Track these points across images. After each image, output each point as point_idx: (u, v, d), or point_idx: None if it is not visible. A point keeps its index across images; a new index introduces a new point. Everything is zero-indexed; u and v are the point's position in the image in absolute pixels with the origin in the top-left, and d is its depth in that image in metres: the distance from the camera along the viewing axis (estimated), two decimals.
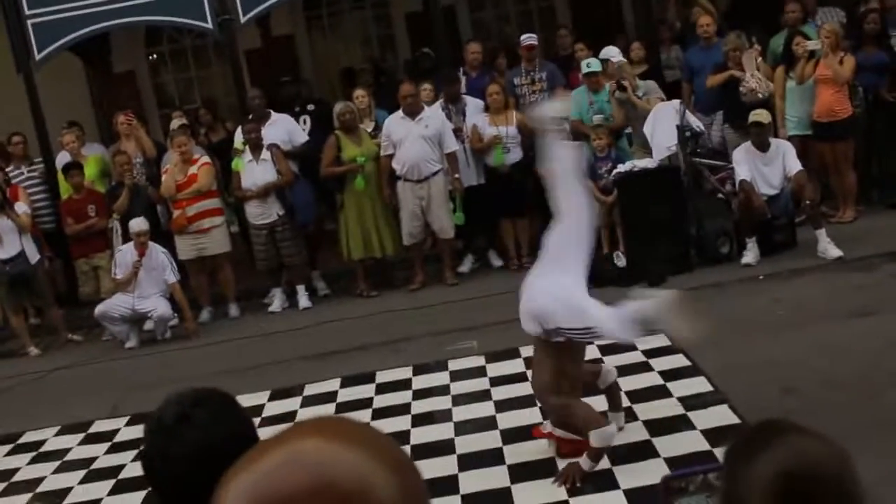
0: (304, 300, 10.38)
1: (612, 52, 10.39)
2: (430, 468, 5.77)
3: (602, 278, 9.11)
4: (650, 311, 5.22)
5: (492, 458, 5.85)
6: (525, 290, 5.58)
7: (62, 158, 11.09)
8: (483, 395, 6.93)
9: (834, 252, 8.83)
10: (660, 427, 5.90)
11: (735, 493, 1.60)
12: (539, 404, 6.07)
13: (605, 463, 5.42)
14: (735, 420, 5.83)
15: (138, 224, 9.81)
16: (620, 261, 9.28)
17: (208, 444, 1.90)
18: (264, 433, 1.16)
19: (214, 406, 2.00)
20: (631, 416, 6.15)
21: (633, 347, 7.35)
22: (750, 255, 9.10)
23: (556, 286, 5.37)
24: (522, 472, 5.55)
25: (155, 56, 15.06)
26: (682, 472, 1.96)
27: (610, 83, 10.13)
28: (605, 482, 5.29)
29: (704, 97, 10.60)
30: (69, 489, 6.61)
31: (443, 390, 7.17)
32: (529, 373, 6.25)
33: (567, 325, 5.34)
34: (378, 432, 1.06)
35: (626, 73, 10.11)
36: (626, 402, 6.32)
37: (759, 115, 9.12)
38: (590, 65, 10.23)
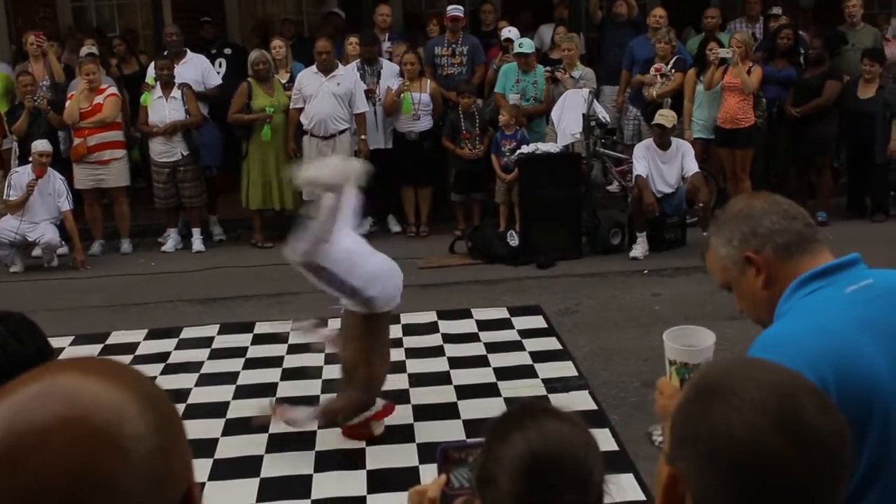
0: (198, 243, 10.33)
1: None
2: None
3: (493, 255, 9.29)
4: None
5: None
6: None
7: None
8: None
9: None
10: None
11: (487, 469, 1.70)
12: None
13: (460, 436, 5.56)
14: (593, 406, 6.00)
15: (42, 144, 9.65)
16: (514, 240, 9.42)
17: (4, 361, 1.97)
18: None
19: (14, 325, 2.08)
20: (494, 392, 6.29)
21: (508, 326, 7.51)
22: (638, 248, 9.32)
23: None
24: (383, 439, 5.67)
25: None
26: (461, 443, 2.01)
27: (545, 67, 10.29)
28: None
29: (635, 88, 10.80)
30: None
31: (318, 347, 7.22)
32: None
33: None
34: (137, 371, 1.09)
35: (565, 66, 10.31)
36: (491, 379, 6.48)
37: (664, 118, 9.30)
38: (522, 45, 10.30)
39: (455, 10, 10.93)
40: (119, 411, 1.00)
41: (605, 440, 5.29)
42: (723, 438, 1.27)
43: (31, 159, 9.68)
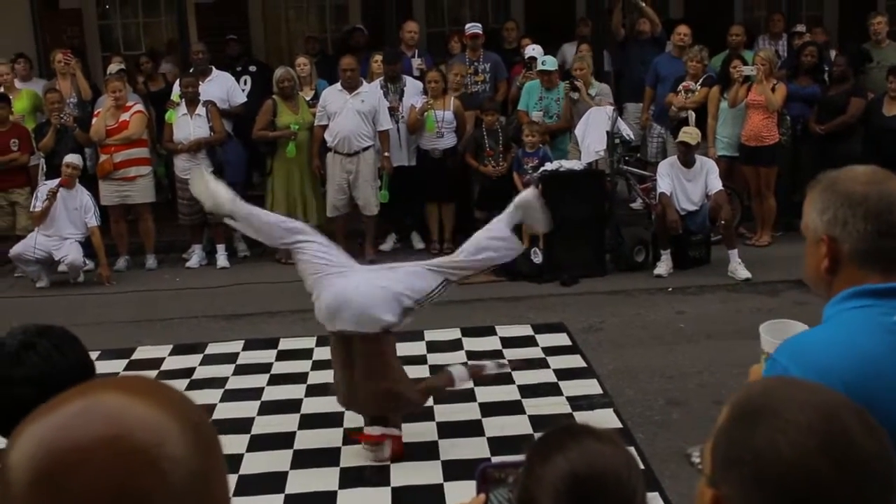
0: (222, 259, 10.38)
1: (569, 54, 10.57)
2: (316, 439, 5.88)
3: (517, 272, 9.28)
4: (517, 203, 5.71)
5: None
6: (356, 293, 5.40)
7: None
8: None
9: (743, 273, 9.05)
10: (544, 423, 6.01)
11: (529, 491, 1.70)
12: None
13: (484, 454, 5.55)
14: (618, 424, 5.98)
15: (73, 157, 9.79)
16: (537, 257, 9.41)
17: (49, 371, 2.00)
18: None
19: (57, 338, 2.12)
20: (519, 410, 6.28)
21: (532, 343, 7.51)
22: (663, 266, 9.30)
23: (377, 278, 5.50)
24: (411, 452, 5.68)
25: None
26: (501, 462, 2.00)
27: (565, 81, 10.28)
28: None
29: (659, 106, 10.80)
30: None
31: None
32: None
33: (422, 294, 5.48)
34: (178, 392, 1.10)
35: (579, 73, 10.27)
36: (516, 396, 6.48)
37: (688, 135, 9.29)
38: (545, 62, 10.34)
39: (474, 28, 10.98)
40: (160, 432, 1.01)
41: None
42: (768, 461, 1.26)
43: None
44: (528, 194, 5.91)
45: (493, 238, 5.65)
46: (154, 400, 1.05)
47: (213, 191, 5.64)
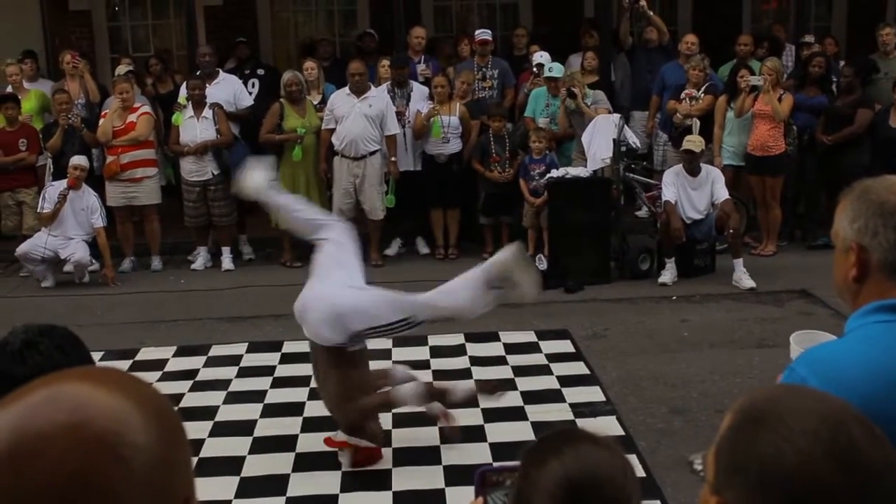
0: (227, 262, 10.40)
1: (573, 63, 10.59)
2: (318, 442, 5.88)
3: None
4: (497, 263, 5.46)
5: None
6: (312, 303, 5.47)
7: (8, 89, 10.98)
8: None
9: (747, 283, 9.05)
10: (546, 430, 6.01)
11: (524, 494, 1.70)
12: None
13: (486, 460, 5.55)
14: (620, 432, 5.97)
15: (79, 159, 9.82)
16: (542, 264, 9.42)
17: (51, 370, 2.01)
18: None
19: (59, 338, 2.14)
20: (521, 416, 6.28)
21: (536, 350, 7.51)
22: (667, 274, 9.30)
23: (344, 294, 5.41)
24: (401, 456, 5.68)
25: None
26: (500, 466, 2.01)
27: (561, 89, 10.28)
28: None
29: (665, 114, 10.80)
30: None
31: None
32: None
33: (374, 324, 5.35)
34: (144, 383, 1.12)
35: (576, 82, 10.25)
36: (518, 402, 6.47)
37: (692, 143, 9.30)
38: (552, 69, 10.36)
39: (484, 34, 11.01)
40: (121, 420, 1.03)
41: None
42: (773, 468, 1.26)
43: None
44: (509, 251, 5.57)
45: (466, 287, 5.47)
46: (118, 390, 1.07)
47: (254, 183, 5.85)
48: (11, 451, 1.00)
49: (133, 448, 1.02)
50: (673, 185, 9.27)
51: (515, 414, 6.30)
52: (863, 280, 2.09)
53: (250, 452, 5.85)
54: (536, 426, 6.10)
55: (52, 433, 1.00)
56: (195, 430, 5.98)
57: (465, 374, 7.08)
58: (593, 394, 6.67)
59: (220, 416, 6.41)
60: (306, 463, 5.68)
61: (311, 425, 6.20)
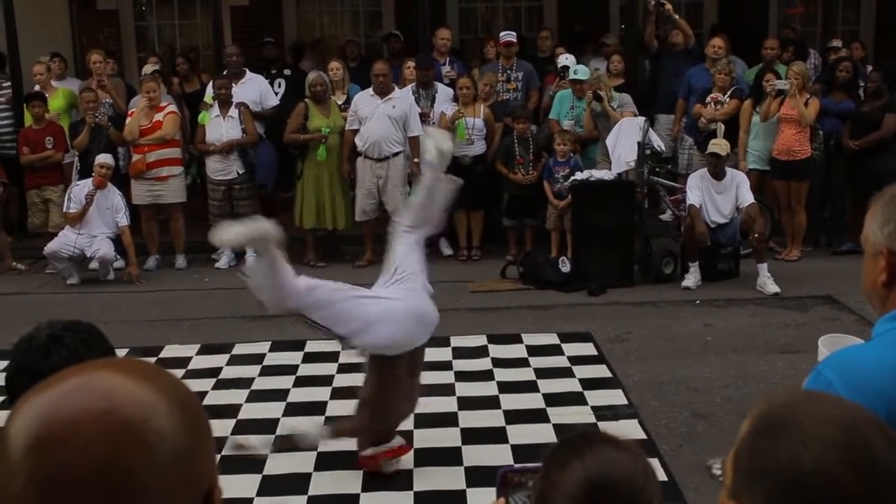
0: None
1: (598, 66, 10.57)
2: (340, 442, 5.89)
3: (545, 281, 9.29)
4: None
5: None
6: (421, 302, 5.34)
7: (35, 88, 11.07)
8: None
9: (772, 288, 9.01)
10: (567, 432, 6.01)
11: (546, 495, 1.71)
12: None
13: (508, 461, 5.55)
14: (642, 436, 5.96)
15: (105, 157, 9.89)
16: (565, 266, 9.41)
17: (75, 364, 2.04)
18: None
19: (84, 333, 2.18)
20: (543, 418, 6.28)
21: (558, 352, 7.50)
22: (691, 278, 9.27)
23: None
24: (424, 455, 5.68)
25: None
26: (521, 467, 2.01)
27: (587, 91, 10.27)
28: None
29: (691, 118, 10.77)
30: None
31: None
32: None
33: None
34: (170, 374, 1.16)
35: (602, 85, 10.24)
36: (541, 404, 6.47)
37: (718, 146, 9.27)
38: (577, 71, 10.36)
39: (508, 36, 10.99)
40: (148, 408, 1.07)
41: None
42: (791, 473, 1.27)
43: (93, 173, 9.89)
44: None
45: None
46: (145, 379, 1.11)
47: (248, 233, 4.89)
48: (42, 435, 1.04)
49: (159, 435, 1.06)
50: (697, 189, 9.24)
51: (537, 416, 6.30)
52: (892, 285, 2.08)
53: (272, 451, 5.87)
54: (558, 428, 6.09)
55: (81, 419, 1.04)
56: (218, 428, 6.00)
57: (487, 375, 7.09)
58: (615, 397, 6.66)
59: (243, 414, 6.44)
60: (328, 462, 5.69)
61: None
